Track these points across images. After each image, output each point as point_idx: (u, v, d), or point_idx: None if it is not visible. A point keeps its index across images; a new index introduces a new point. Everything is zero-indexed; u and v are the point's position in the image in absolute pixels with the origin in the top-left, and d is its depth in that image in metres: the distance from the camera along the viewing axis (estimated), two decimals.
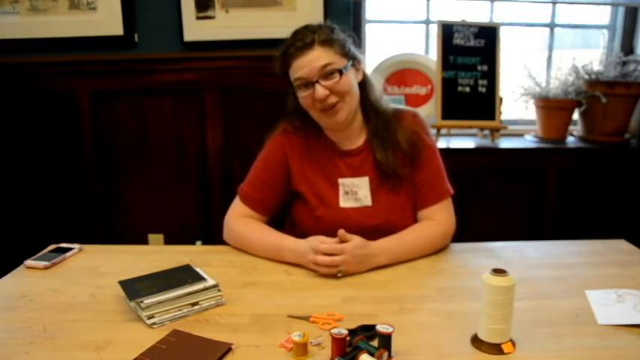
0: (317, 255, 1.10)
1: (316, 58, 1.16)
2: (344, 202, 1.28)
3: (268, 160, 1.32)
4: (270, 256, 1.21)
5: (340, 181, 1.28)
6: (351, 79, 1.21)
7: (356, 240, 1.12)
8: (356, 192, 1.28)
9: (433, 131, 2.17)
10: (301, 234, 1.24)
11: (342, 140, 1.30)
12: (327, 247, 1.10)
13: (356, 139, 1.29)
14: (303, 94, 1.19)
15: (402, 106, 1.36)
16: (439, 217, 1.28)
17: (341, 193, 1.28)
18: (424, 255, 1.23)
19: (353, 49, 1.24)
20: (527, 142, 2.23)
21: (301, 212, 1.32)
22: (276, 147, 1.31)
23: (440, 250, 1.26)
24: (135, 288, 0.98)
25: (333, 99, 1.18)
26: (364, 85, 1.27)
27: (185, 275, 1.03)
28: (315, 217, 1.28)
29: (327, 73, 1.16)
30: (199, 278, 1.01)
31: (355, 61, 1.24)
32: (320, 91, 1.16)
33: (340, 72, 1.17)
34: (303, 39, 1.17)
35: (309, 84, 1.17)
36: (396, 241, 1.20)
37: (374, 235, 1.19)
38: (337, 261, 1.09)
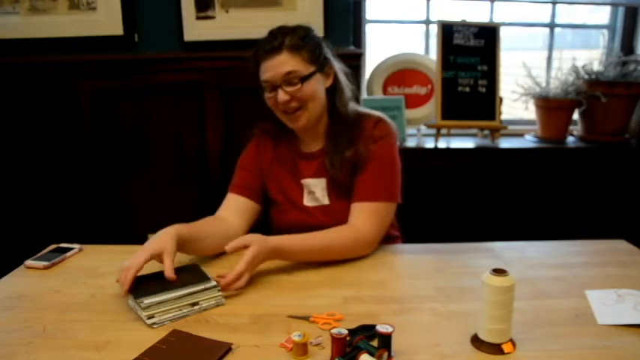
0: (228, 285, 1.03)
1: (281, 63, 1.19)
2: (307, 201, 1.33)
3: (246, 160, 1.40)
4: None
5: (303, 181, 1.33)
6: (315, 86, 1.23)
7: (254, 244, 1.06)
8: (314, 192, 1.32)
9: (432, 131, 2.18)
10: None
11: (307, 141, 1.34)
12: (235, 273, 1.03)
13: (319, 141, 1.33)
14: (268, 95, 1.24)
15: (370, 111, 1.34)
16: (360, 220, 1.23)
17: (305, 192, 1.33)
18: (332, 259, 1.18)
19: (327, 53, 1.26)
20: (527, 142, 2.23)
21: (273, 212, 1.40)
22: (251, 149, 1.40)
23: (359, 256, 1.21)
24: (139, 286, 0.98)
25: (294, 104, 1.22)
26: (334, 89, 1.29)
27: (190, 275, 1.03)
28: (283, 215, 1.36)
29: (289, 80, 1.19)
30: (204, 278, 1.01)
31: (326, 67, 1.26)
32: (281, 96, 1.20)
33: (303, 79, 1.19)
34: (272, 42, 1.20)
35: (273, 88, 1.21)
36: (298, 240, 1.16)
37: None
38: (244, 280, 1.05)
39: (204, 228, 1.20)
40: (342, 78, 1.31)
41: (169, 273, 0.99)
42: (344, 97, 1.30)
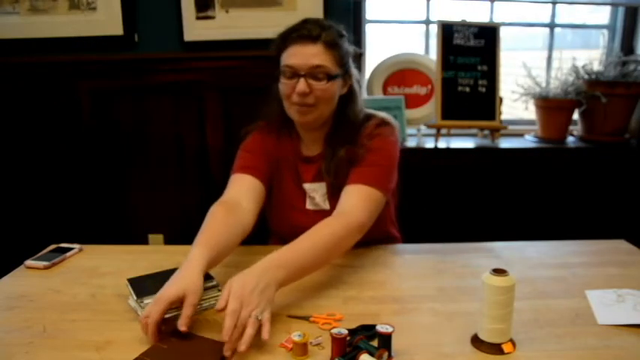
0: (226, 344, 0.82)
1: (314, 54, 1.14)
2: (309, 205, 1.30)
3: (251, 145, 1.32)
4: None
5: (304, 185, 1.30)
6: (335, 88, 1.20)
7: (234, 281, 0.88)
8: (314, 197, 1.30)
9: (432, 131, 2.18)
10: (280, 239, 1.26)
11: (308, 143, 1.31)
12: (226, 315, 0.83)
13: (319, 145, 1.30)
14: (285, 82, 1.17)
15: (376, 113, 1.31)
16: (349, 205, 1.14)
17: (307, 195, 1.31)
18: (334, 252, 1.08)
19: (350, 63, 1.24)
20: (527, 142, 2.23)
21: (272, 216, 1.36)
22: (256, 137, 1.33)
23: (352, 245, 1.11)
24: (141, 286, 0.98)
25: (310, 99, 1.17)
26: (347, 98, 1.26)
27: None
28: (284, 219, 1.33)
29: (316, 74, 1.15)
30: (206, 277, 1.01)
31: (346, 75, 1.23)
32: (302, 86, 1.14)
33: (329, 78, 1.16)
34: (311, 30, 1.15)
35: (295, 75, 1.15)
36: (285, 250, 1.00)
37: None
38: (239, 317, 0.83)
39: (225, 236, 1.06)
40: (357, 88, 1.28)
41: (184, 323, 0.84)
42: (357, 106, 1.27)
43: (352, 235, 1.11)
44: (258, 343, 0.86)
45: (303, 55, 1.14)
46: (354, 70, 1.26)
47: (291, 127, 1.31)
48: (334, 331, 0.80)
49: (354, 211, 1.12)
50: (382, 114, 1.31)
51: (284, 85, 1.18)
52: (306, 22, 1.18)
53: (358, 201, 1.15)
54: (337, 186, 1.24)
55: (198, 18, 2.08)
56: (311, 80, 1.15)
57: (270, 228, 1.41)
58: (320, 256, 1.04)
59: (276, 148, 1.32)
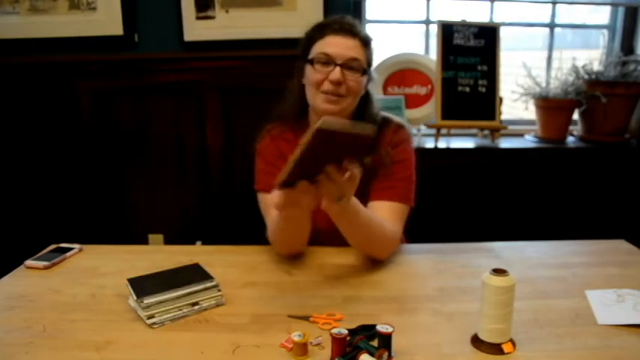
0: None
1: (352, 47, 1.18)
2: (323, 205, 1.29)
3: (268, 157, 1.32)
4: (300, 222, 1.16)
5: None
6: (363, 85, 1.22)
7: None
8: None
9: (432, 131, 2.18)
10: None
11: None
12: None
13: None
14: (319, 68, 1.18)
15: (390, 117, 1.32)
16: (392, 221, 1.20)
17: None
18: (370, 244, 1.17)
19: (371, 68, 1.27)
20: (527, 142, 2.23)
21: None
22: (268, 145, 1.33)
23: (385, 256, 1.20)
24: (141, 286, 0.98)
25: (342, 89, 1.18)
26: (365, 100, 1.27)
27: (190, 274, 1.02)
28: None
29: (352, 65, 1.17)
30: (205, 277, 1.01)
31: (369, 77, 1.26)
32: (337, 74, 1.15)
33: (364, 72, 1.19)
34: (351, 25, 1.20)
35: (330, 63, 1.17)
36: (363, 210, 1.11)
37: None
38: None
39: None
40: (372, 91, 1.30)
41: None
42: (373, 109, 1.29)
43: (390, 248, 1.21)
44: (258, 343, 0.86)
45: (341, 46, 1.17)
46: (374, 75, 1.30)
47: (305, 125, 1.30)
48: (334, 331, 0.80)
49: (397, 230, 1.21)
50: (397, 118, 1.33)
51: (315, 72, 1.18)
52: (345, 18, 1.23)
53: (391, 217, 1.20)
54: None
55: (198, 18, 2.08)
56: (346, 71, 1.17)
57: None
58: (369, 231, 1.13)
59: (289, 149, 1.30)
